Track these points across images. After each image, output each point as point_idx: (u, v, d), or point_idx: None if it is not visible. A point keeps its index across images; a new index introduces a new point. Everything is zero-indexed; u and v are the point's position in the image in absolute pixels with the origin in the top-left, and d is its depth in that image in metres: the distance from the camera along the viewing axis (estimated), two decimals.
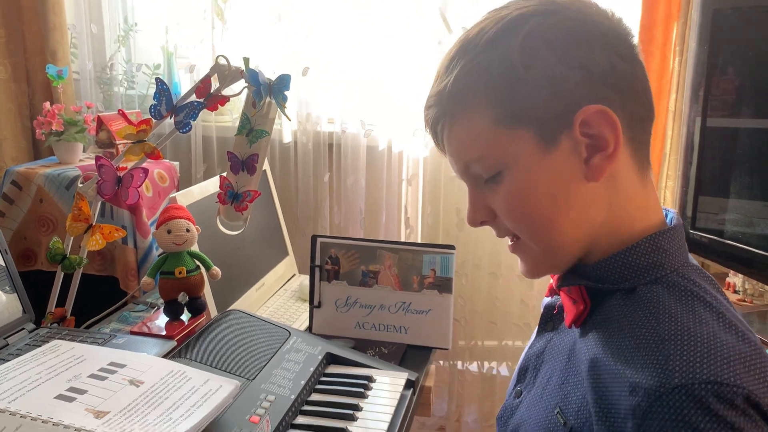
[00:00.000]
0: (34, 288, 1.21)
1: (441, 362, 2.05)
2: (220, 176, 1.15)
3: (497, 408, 2.04)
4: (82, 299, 1.27)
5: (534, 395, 0.70)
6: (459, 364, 2.02)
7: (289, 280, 1.67)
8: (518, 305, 1.89)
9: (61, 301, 1.23)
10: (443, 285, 1.32)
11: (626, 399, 0.55)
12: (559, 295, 0.71)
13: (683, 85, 1.62)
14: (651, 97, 0.65)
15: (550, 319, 0.75)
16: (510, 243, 0.69)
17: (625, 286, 0.63)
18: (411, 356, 1.29)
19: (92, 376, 0.84)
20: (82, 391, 0.80)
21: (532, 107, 0.62)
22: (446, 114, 0.66)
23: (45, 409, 0.75)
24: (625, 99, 0.62)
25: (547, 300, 0.76)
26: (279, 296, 1.58)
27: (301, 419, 0.96)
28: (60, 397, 0.78)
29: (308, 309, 1.36)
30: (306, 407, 0.99)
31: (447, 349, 1.34)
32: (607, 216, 0.64)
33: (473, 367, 2.02)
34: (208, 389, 0.87)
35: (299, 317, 1.47)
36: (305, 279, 1.58)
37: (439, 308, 1.32)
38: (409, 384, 1.09)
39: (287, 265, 1.68)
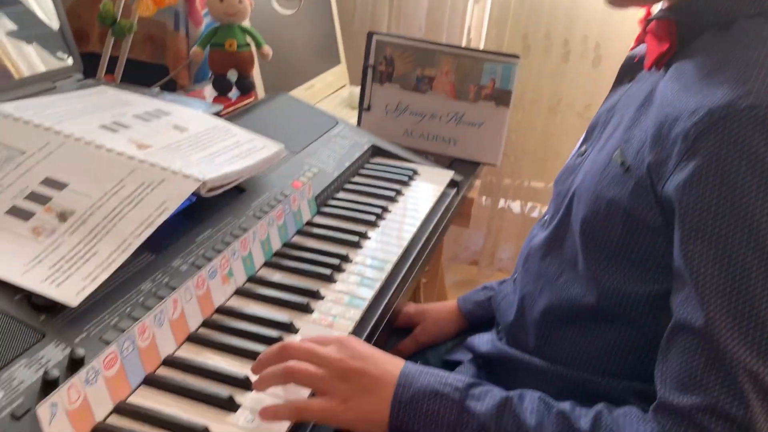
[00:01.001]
0: (87, 71, 1.19)
1: (483, 198, 2.02)
2: None
3: None
4: (132, 83, 1.25)
5: (598, 146, 0.66)
6: (501, 202, 1.99)
7: (339, 89, 1.62)
8: (572, 145, 1.81)
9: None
10: (501, 97, 1.25)
11: (683, 122, 0.51)
12: (644, 41, 0.64)
13: None
14: None
15: (629, 71, 0.69)
16: None
17: (722, 20, 0.56)
18: (457, 169, 1.25)
19: (137, 116, 0.83)
20: (126, 126, 0.79)
21: None
22: None
23: (88, 134, 0.74)
24: None
25: (629, 53, 0.69)
26: (328, 102, 1.54)
27: (342, 195, 0.95)
28: (104, 127, 0.77)
29: (356, 114, 1.32)
30: (348, 186, 0.97)
31: (495, 166, 1.30)
32: None
33: (515, 206, 2.00)
34: (252, 146, 0.85)
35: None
36: (356, 89, 1.53)
37: (493, 122, 1.26)
38: (454, 183, 1.06)
39: (339, 73, 1.62)
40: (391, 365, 0.57)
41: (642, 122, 0.59)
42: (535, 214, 1.98)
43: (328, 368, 0.54)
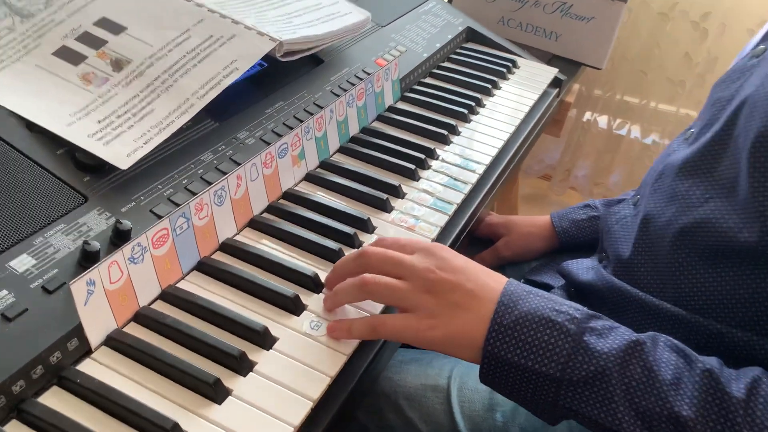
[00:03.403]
0: None
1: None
2: None
3: (614, 167, 1.87)
4: None
5: None
6: (587, 115, 1.82)
7: None
8: (680, 59, 1.61)
9: None
10: None
11: None
12: None
13: None
14: None
15: None
16: None
17: None
18: (555, 67, 1.10)
19: None
20: None
21: None
22: None
23: None
24: None
25: None
26: None
27: (430, 80, 0.83)
28: None
29: None
30: (436, 71, 0.85)
31: (599, 69, 1.15)
32: None
33: (602, 121, 1.82)
34: (336, 10, 0.73)
35: None
36: None
37: (605, 18, 1.10)
38: (557, 82, 0.93)
39: None
40: (491, 279, 0.47)
41: None
42: (622, 132, 1.80)
43: (412, 280, 0.45)
